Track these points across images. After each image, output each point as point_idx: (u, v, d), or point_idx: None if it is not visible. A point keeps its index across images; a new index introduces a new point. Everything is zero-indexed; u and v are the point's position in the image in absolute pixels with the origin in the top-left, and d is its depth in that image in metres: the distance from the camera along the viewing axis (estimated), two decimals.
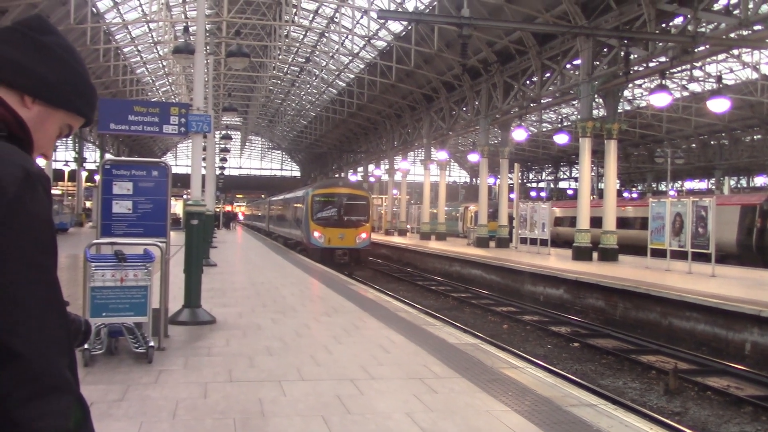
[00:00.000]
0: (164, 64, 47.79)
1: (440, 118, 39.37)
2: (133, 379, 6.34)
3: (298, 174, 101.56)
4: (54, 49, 1.36)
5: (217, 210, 47.29)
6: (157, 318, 7.64)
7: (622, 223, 29.83)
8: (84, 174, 52.81)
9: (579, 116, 26.90)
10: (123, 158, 32.47)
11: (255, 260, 23.46)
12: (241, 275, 17.36)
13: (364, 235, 28.78)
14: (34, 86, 1.36)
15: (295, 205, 34.59)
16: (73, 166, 52.86)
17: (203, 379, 6.39)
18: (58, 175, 57.25)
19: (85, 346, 6.47)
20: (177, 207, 36.21)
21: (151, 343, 7.12)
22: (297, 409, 5.54)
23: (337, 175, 66.62)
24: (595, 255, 24.42)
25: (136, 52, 45.71)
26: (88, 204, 55.52)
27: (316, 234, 28.48)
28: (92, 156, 61.26)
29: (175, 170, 9.02)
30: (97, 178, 8.71)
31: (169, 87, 57.44)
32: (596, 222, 24.92)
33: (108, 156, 53.39)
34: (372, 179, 57.54)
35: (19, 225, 1.18)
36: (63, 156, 62.77)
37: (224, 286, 14.30)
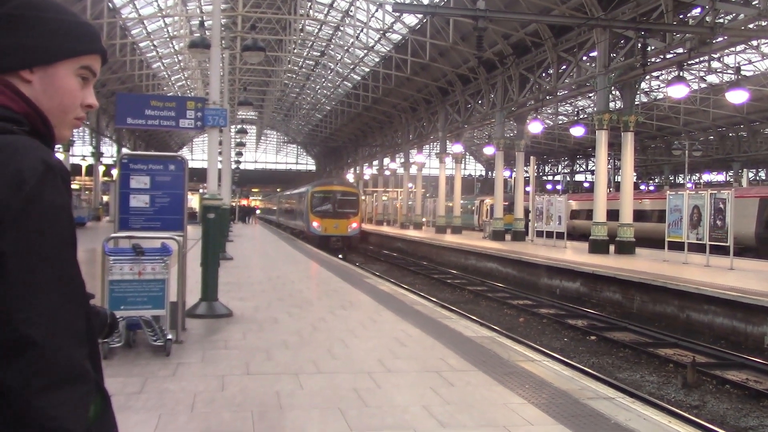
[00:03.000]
0: (180, 58, 47.92)
1: (455, 111, 39.26)
2: (151, 371, 6.39)
3: (313, 168, 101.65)
4: (13, 14, 1.33)
5: (234, 204, 47.56)
6: (174, 311, 7.68)
7: (639, 215, 29.68)
8: (101, 168, 53.09)
9: (595, 109, 26.75)
10: (140, 152, 32.72)
11: (270, 254, 23.54)
12: (257, 269, 17.43)
13: (354, 225, 35.39)
14: (19, 59, 1.32)
15: (299, 200, 40.77)
16: (91, 160, 53.16)
17: (221, 372, 6.43)
18: (76, 169, 57.65)
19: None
20: (193, 201, 36.42)
21: (169, 336, 7.16)
22: (314, 402, 5.55)
23: (349, 172, 67.43)
24: (611, 248, 24.30)
25: (152, 47, 45.87)
26: (105, 198, 55.88)
27: (315, 224, 34.96)
28: (109, 151, 61.58)
29: (191, 164, 9.06)
30: (115, 172, 8.78)
31: (184, 81, 57.62)
32: (613, 215, 24.79)
33: (125, 150, 53.72)
34: (387, 172, 57.54)
35: (38, 216, 1.19)
36: (80, 150, 63.25)
37: (240, 280, 14.36)
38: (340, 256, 27.89)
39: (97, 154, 51.54)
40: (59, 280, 1.21)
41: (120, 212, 8.23)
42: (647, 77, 34.97)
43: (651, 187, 60.91)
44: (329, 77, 53.21)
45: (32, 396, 1.13)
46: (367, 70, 45.11)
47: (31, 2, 1.33)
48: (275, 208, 62.47)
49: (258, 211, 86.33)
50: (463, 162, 47.21)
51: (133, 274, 7.20)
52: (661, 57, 23.36)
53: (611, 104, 25.48)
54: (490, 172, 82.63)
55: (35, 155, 1.23)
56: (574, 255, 23.10)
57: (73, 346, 1.21)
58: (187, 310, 8.71)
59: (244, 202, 79.54)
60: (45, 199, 1.21)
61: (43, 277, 1.19)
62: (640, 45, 21.30)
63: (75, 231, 1.28)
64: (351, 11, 38.13)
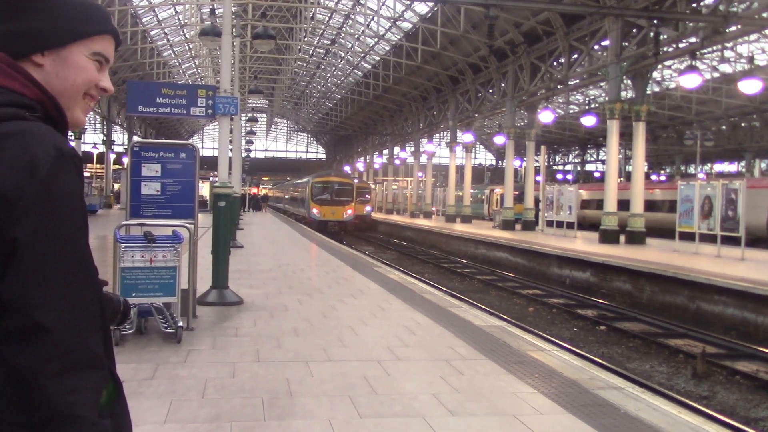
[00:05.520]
0: (191, 46, 47.95)
1: (466, 100, 39.15)
2: (162, 358, 6.43)
3: (323, 156, 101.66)
4: None
5: (244, 191, 47.76)
6: (185, 298, 7.72)
7: (650, 206, 29.55)
8: (112, 156, 53.24)
9: (607, 98, 26.60)
10: (151, 140, 32.79)
11: (280, 242, 23.58)
12: (267, 257, 17.47)
13: (349, 212, 40.03)
14: (30, 43, 1.33)
15: (301, 189, 45.62)
16: (102, 148, 53.34)
17: (231, 359, 6.46)
18: (87, 157, 57.87)
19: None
20: (204, 189, 36.67)
21: (180, 323, 7.20)
22: (324, 390, 5.58)
23: (359, 161, 67.65)
24: (622, 238, 24.23)
25: (163, 35, 45.91)
26: (116, 186, 56.08)
27: (315, 210, 39.65)
28: (120, 138, 61.78)
29: (201, 153, 9.07)
30: (126, 160, 8.80)
31: (195, 69, 57.65)
32: (623, 205, 24.71)
33: (136, 138, 53.82)
34: (397, 162, 57.51)
35: (51, 203, 1.20)
36: (91, 138, 63.41)
37: (251, 268, 14.40)
38: (338, 240, 29.47)
39: (108, 142, 51.66)
40: (73, 266, 1.22)
41: (131, 200, 8.26)
42: (659, 66, 34.76)
43: (662, 177, 60.61)
44: (340, 66, 53.13)
45: (45, 381, 1.14)
46: (377, 58, 45.03)
47: None
48: (281, 196, 67.37)
49: None
50: (473, 151, 47.11)
51: (144, 261, 7.24)
52: (674, 46, 23.21)
53: (623, 93, 25.34)
54: (500, 162, 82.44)
55: (48, 141, 1.23)
56: (584, 245, 23.05)
57: (87, 332, 1.22)
58: (197, 298, 8.75)
59: (254, 190, 79.61)
60: (58, 186, 1.21)
61: (57, 263, 1.19)
62: (652, 34, 21.15)
63: (87, 217, 1.29)
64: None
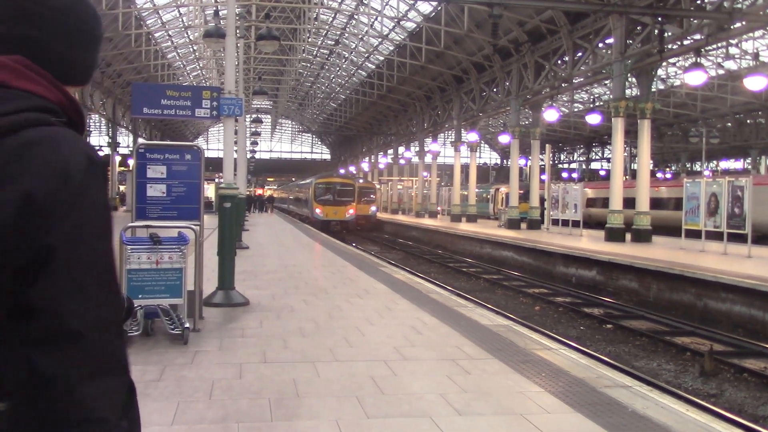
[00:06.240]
0: (195, 48, 48.02)
1: (470, 100, 39.10)
2: (169, 359, 6.44)
3: (328, 157, 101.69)
4: (90, 30, 1.34)
5: (249, 192, 47.99)
6: (191, 300, 7.72)
7: (656, 203, 29.49)
8: (117, 158, 53.32)
9: (611, 96, 26.55)
10: (156, 142, 32.85)
11: (286, 243, 23.60)
12: (273, 257, 17.48)
13: (351, 211, 41.25)
14: (76, 76, 1.37)
15: (304, 190, 47.34)
16: (107, 150, 53.46)
17: (238, 360, 6.47)
18: None
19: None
20: (209, 191, 36.75)
21: (187, 325, 7.21)
22: (331, 390, 5.58)
23: (364, 161, 67.71)
24: (628, 236, 24.18)
25: (167, 37, 45.98)
26: (122, 188, 56.18)
27: (318, 210, 40.95)
28: (125, 140, 61.82)
29: (206, 154, 9.08)
30: (131, 162, 8.81)
31: (200, 71, 57.72)
32: (629, 203, 24.66)
33: (141, 140, 53.94)
34: (402, 161, 57.53)
35: (84, 211, 1.21)
36: (97, 141, 63.52)
37: (256, 269, 14.41)
38: (350, 242, 29.62)
39: (114, 144, 51.72)
40: (102, 273, 1.23)
41: (137, 202, 8.28)
42: (664, 64, 34.66)
43: (668, 175, 60.46)
44: (344, 66, 53.14)
45: (75, 385, 1.15)
46: (381, 58, 45.03)
47: (96, 17, 1.37)
48: (285, 197, 69.10)
49: None
50: (478, 150, 46.94)
51: (150, 263, 7.25)
52: (678, 43, 23.14)
53: (627, 91, 25.27)
54: (505, 161, 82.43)
55: (79, 149, 1.23)
56: (590, 243, 23.01)
57: (115, 337, 1.23)
58: (204, 299, 8.76)
59: (259, 191, 79.68)
60: (90, 194, 1.22)
61: (89, 270, 1.20)
62: (657, 31, 21.10)
63: (112, 223, 1.30)
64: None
